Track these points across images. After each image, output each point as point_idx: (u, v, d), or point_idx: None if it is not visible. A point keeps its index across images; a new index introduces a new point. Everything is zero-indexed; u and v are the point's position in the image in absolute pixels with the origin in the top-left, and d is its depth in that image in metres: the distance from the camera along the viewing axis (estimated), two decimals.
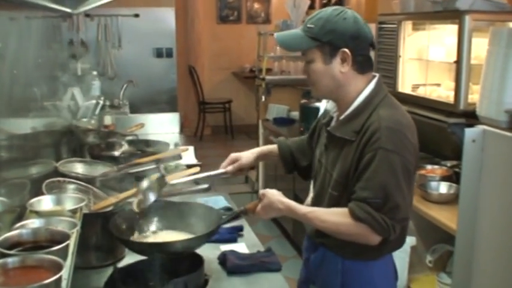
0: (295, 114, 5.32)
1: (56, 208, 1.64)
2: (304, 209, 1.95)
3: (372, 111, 1.87)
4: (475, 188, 1.02)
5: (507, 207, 1.05)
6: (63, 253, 1.29)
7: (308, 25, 1.90)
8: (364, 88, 1.93)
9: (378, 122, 1.83)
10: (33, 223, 1.48)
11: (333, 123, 2.03)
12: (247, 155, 2.36)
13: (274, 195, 1.98)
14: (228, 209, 2.68)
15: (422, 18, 4.03)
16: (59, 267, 1.17)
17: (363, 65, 1.92)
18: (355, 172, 1.85)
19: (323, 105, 3.14)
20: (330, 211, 1.90)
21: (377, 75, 1.98)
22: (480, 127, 1.08)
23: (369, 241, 1.83)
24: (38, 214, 1.57)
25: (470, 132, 1.06)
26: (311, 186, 2.20)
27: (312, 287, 2.10)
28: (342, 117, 1.96)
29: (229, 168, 2.33)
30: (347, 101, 1.94)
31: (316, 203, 2.07)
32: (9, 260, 1.24)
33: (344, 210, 1.84)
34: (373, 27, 4.55)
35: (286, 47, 2.04)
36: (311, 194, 2.18)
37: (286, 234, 5.24)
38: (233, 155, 2.37)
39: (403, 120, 1.87)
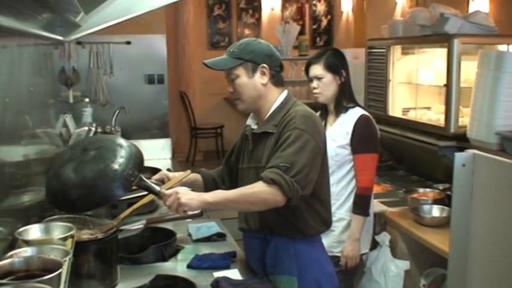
0: None
1: (45, 237, 1.63)
2: (223, 192, 2.17)
3: (288, 109, 2.29)
4: (466, 212, 1.03)
5: (498, 231, 1.06)
6: (55, 282, 1.27)
7: (231, 50, 2.32)
8: (278, 97, 2.34)
9: (294, 112, 2.25)
10: (26, 251, 1.47)
11: (260, 123, 2.38)
12: (174, 175, 2.54)
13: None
14: (221, 235, 2.68)
15: (411, 42, 4.08)
16: None
17: (277, 79, 2.35)
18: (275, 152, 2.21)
19: None
20: (247, 186, 2.18)
21: (286, 90, 2.40)
22: (470, 151, 1.09)
23: (277, 202, 2.10)
24: (28, 243, 1.55)
25: (460, 157, 1.07)
26: None
27: (271, 277, 2.32)
28: (263, 118, 2.35)
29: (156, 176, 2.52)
30: (265, 109, 2.34)
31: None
32: None
33: (257, 181, 2.13)
34: (362, 52, 4.60)
35: (216, 67, 2.33)
36: None
37: None
38: (163, 173, 2.55)
39: (312, 113, 2.30)
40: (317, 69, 3.09)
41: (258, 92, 2.31)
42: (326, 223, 2.40)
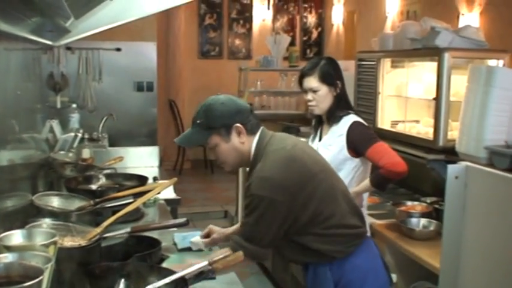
0: None
1: (27, 243, 1.59)
2: None
3: (258, 163, 2.22)
4: (458, 224, 1.01)
5: (491, 244, 1.04)
6: None
7: (198, 121, 2.25)
8: (252, 143, 2.28)
9: (255, 174, 2.19)
10: (6, 257, 1.43)
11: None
12: (220, 231, 2.66)
13: None
14: None
15: (402, 55, 4.09)
16: None
17: (253, 128, 2.28)
18: None
19: None
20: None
21: (260, 128, 2.32)
22: (463, 163, 1.08)
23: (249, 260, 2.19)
24: (9, 249, 1.52)
25: (453, 169, 1.06)
26: None
27: None
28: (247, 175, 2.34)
29: (203, 243, 2.64)
30: (249, 161, 2.30)
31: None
32: None
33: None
34: (352, 64, 4.61)
35: (190, 144, 2.38)
36: None
37: (266, 271, 5.17)
38: (209, 227, 2.70)
39: (272, 167, 2.17)
40: (312, 82, 3.02)
41: (240, 151, 2.28)
42: (354, 239, 2.31)
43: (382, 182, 2.96)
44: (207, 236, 2.66)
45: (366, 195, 3.15)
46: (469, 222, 0.99)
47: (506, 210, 1.12)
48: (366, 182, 2.97)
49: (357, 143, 2.96)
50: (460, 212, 1.02)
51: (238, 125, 2.23)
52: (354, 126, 2.98)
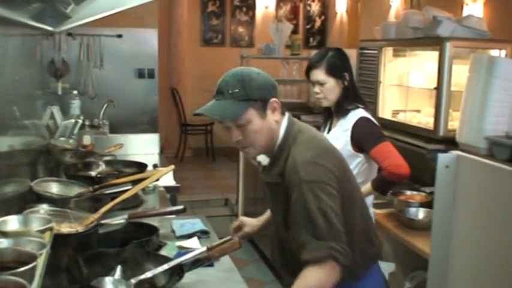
0: None
1: (23, 229, 1.60)
2: None
3: (289, 150, 1.95)
4: (448, 214, 1.01)
5: (481, 234, 1.04)
6: (29, 274, 1.24)
7: (230, 91, 1.90)
8: (280, 129, 2.00)
9: (293, 160, 1.91)
10: (1, 243, 1.44)
11: (265, 169, 2.09)
12: (253, 223, 2.48)
13: None
14: (205, 232, 2.65)
15: (404, 44, 4.07)
16: None
17: (282, 108, 2.01)
18: (289, 213, 1.92)
19: None
20: (299, 281, 1.82)
21: (287, 114, 2.05)
22: (454, 153, 1.07)
23: (337, 274, 1.81)
24: (5, 235, 1.52)
25: (443, 158, 1.06)
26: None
27: None
28: (268, 162, 2.05)
29: (235, 236, 2.40)
30: (273, 145, 2.00)
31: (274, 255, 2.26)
32: None
33: (305, 270, 1.81)
34: (354, 53, 4.59)
35: (223, 117, 1.95)
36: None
37: (265, 258, 5.18)
38: (241, 219, 2.52)
39: (314, 152, 1.94)
40: (319, 75, 2.95)
41: (272, 132, 1.97)
42: (370, 259, 2.14)
43: (384, 185, 2.92)
44: (238, 228, 2.50)
45: (371, 197, 3.09)
46: (459, 211, 0.99)
47: (497, 200, 1.12)
48: (368, 185, 2.94)
49: (362, 141, 2.91)
50: (450, 201, 1.01)
51: (275, 99, 1.96)
52: (360, 122, 2.92)
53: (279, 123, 1.99)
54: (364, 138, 2.91)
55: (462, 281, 1.21)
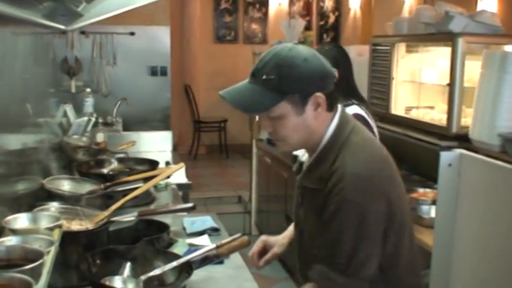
0: None
1: (32, 226, 1.61)
2: None
3: (338, 151, 1.66)
4: (451, 212, 1.00)
5: (484, 233, 1.02)
6: (36, 272, 1.25)
7: (264, 77, 1.60)
8: (329, 126, 1.71)
9: (343, 168, 1.62)
10: (10, 240, 1.45)
11: (304, 170, 1.81)
12: (281, 242, 2.06)
13: None
14: (215, 229, 2.65)
15: (416, 40, 4.04)
16: (28, 286, 1.14)
17: (333, 103, 1.70)
18: (320, 222, 1.67)
19: None
20: None
21: (339, 109, 1.75)
22: (457, 151, 1.06)
23: None
24: (14, 232, 1.53)
25: (446, 156, 1.04)
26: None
27: None
28: (308, 162, 1.76)
29: (261, 263, 2.07)
30: (315, 145, 1.72)
31: (300, 268, 1.91)
32: None
33: (306, 285, 1.71)
34: (367, 49, 4.56)
35: (248, 108, 1.69)
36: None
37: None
38: (264, 241, 2.07)
39: (369, 163, 1.66)
40: None
41: (311, 131, 1.68)
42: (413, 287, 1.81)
43: None
44: (262, 251, 2.11)
45: None
46: (462, 210, 0.97)
47: (500, 199, 1.10)
48: None
49: None
50: (453, 199, 1.00)
51: (319, 94, 1.63)
52: None
53: (323, 121, 1.69)
54: None
55: (465, 278, 1.19)
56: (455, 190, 0.99)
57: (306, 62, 1.60)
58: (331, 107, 1.69)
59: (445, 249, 0.98)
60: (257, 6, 9.91)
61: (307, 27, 8.42)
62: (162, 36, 5.72)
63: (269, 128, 1.69)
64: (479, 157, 0.88)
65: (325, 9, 10.04)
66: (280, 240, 2.09)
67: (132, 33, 5.58)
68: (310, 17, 9.90)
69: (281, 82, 1.58)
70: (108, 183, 2.68)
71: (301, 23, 6.60)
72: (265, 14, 9.95)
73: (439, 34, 3.68)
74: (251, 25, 9.93)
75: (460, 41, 3.34)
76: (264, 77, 1.59)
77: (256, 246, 2.10)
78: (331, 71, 1.68)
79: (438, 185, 1.04)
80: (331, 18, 10.05)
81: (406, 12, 6.49)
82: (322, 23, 10.06)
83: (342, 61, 2.97)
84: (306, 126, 1.65)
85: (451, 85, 3.43)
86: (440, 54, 3.84)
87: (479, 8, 4.73)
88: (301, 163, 1.83)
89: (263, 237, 2.11)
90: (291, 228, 2.08)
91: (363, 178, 1.59)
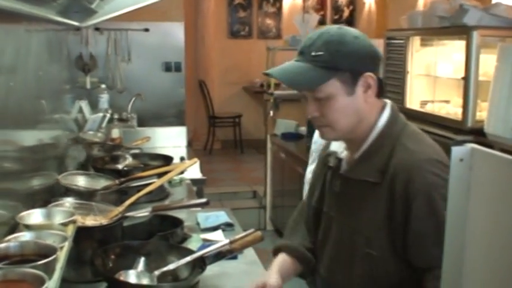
0: (304, 129, 5.30)
1: (45, 222, 1.62)
2: None
3: (395, 143, 1.57)
4: (462, 209, 0.99)
5: (497, 231, 1.01)
6: (49, 267, 1.26)
7: (313, 53, 1.53)
8: (380, 116, 1.62)
9: (411, 154, 1.53)
10: (23, 236, 1.46)
11: (344, 165, 1.70)
12: (274, 278, 1.75)
13: None
14: (229, 224, 2.66)
15: (430, 33, 4.02)
16: (41, 282, 1.15)
17: (381, 91, 1.61)
18: (394, 224, 1.53)
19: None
20: None
21: (388, 100, 1.68)
22: (469, 145, 1.05)
23: None
24: (28, 228, 1.55)
25: (457, 151, 1.03)
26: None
27: None
28: (357, 155, 1.63)
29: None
30: (363, 135, 1.62)
31: (334, 268, 1.73)
32: None
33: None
34: (382, 43, 4.54)
35: (297, 84, 1.59)
36: (324, 262, 1.80)
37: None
38: (260, 282, 1.74)
39: (436, 148, 1.59)
40: None
41: (360, 115, 1.59)
42: None
43: None
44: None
45: None
46: (474, 206, 0.96)
47: None
48: None
49: None
50: (464, 195, 0.99)
51: (370, 74, 1.56)
52: None
53: (373, 106, 1.61)
54: None
55: (478, 275, 1.18)
56: (466, 186, 0.98)
57: (357, 39, 1.56)
58: (381, 92, 1.61)
59: (457, 246, 0.97)
60: (271, 1, 9.89)
61: (322, 22, 8.39)
62: (176, 32, 5.74)
63: (316, 112, 1.58)
64: (491, 152, 0.87)
65: (340, 3, 10.00)
66: (273, 275, 1.77)
67: (147, 30, 5.60)
68: (324, 12, 9.86)
69: (331, 58, 1.52)
70: (122, 179, 2.70)
71: (315, 17, 6.57)
72: (279, 8, 9.93)
73: (454, 27, 3.66)
74: (265, 20, 9.92)
75: (475, 34, 3.32)
76: (313, 53, 1.53)
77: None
78: (380, 52, 1.63)
79: (450, 180, 1.03)
80: (346, 13, 10.01)
81: (420, 5, 6.44)
82: (336, 17, 10.02)
83: None
84: (355, 109, 1.57)
85: (466, 79, 3.41)
86: (455, 47, 3.82)
87: (494, 0, 4.68)
88: (340, 159, 1.71)
89: (259, 280, 1.76)
90: (278, 261, 1.86)
91: (439, 161, 1.52)
